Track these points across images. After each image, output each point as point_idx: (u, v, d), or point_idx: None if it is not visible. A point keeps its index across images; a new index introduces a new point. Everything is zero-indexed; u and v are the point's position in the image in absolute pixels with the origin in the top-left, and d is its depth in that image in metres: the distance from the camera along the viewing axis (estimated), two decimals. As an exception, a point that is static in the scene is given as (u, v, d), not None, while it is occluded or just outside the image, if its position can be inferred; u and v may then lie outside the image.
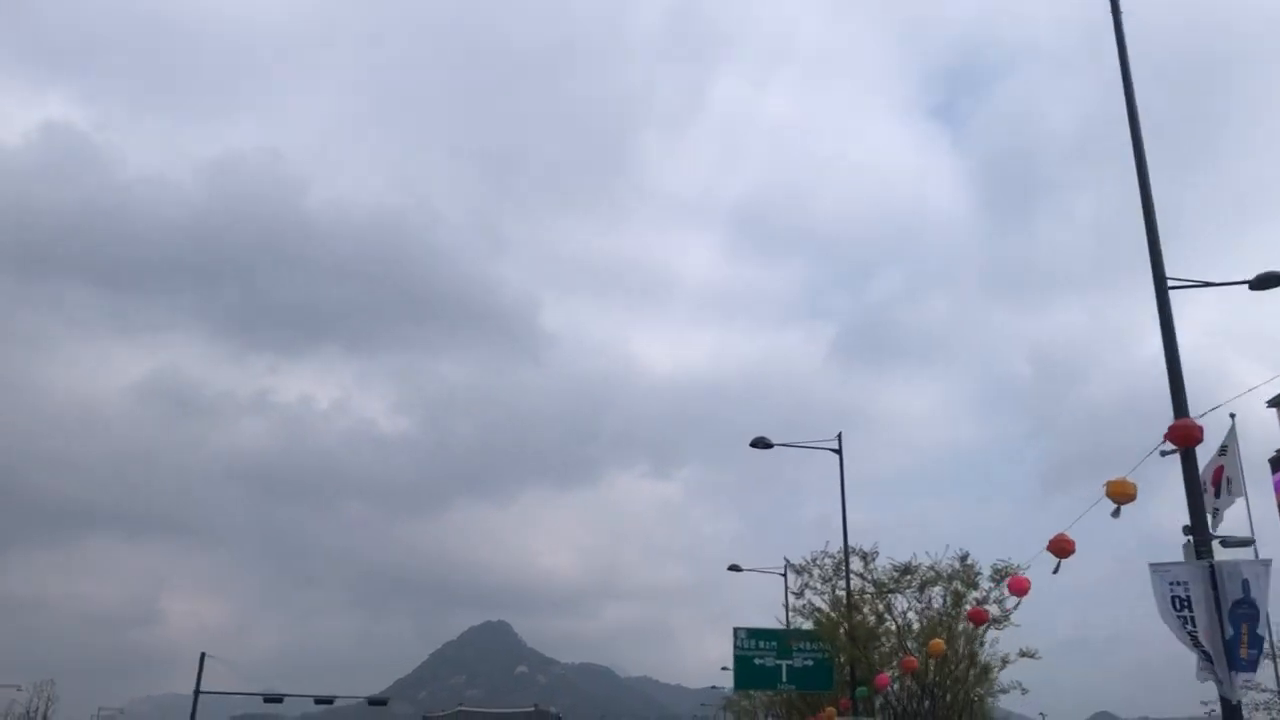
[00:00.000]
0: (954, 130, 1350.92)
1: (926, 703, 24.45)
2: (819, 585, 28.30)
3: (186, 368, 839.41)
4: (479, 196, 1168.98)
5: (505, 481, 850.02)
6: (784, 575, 41.63)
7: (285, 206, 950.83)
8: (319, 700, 53.40)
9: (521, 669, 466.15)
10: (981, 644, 24.06)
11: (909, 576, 25.03)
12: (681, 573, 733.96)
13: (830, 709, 28.22)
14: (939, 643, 21.45)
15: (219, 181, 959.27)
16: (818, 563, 28.11)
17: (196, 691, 50.43)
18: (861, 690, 27.27)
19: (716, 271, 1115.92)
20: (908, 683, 25.16)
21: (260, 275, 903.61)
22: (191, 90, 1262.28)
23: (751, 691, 45.31)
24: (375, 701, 56.56)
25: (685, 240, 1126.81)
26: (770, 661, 31.03)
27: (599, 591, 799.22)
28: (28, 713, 72.98)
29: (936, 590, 24.79)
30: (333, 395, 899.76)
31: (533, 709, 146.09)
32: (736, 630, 31.74)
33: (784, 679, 31.13)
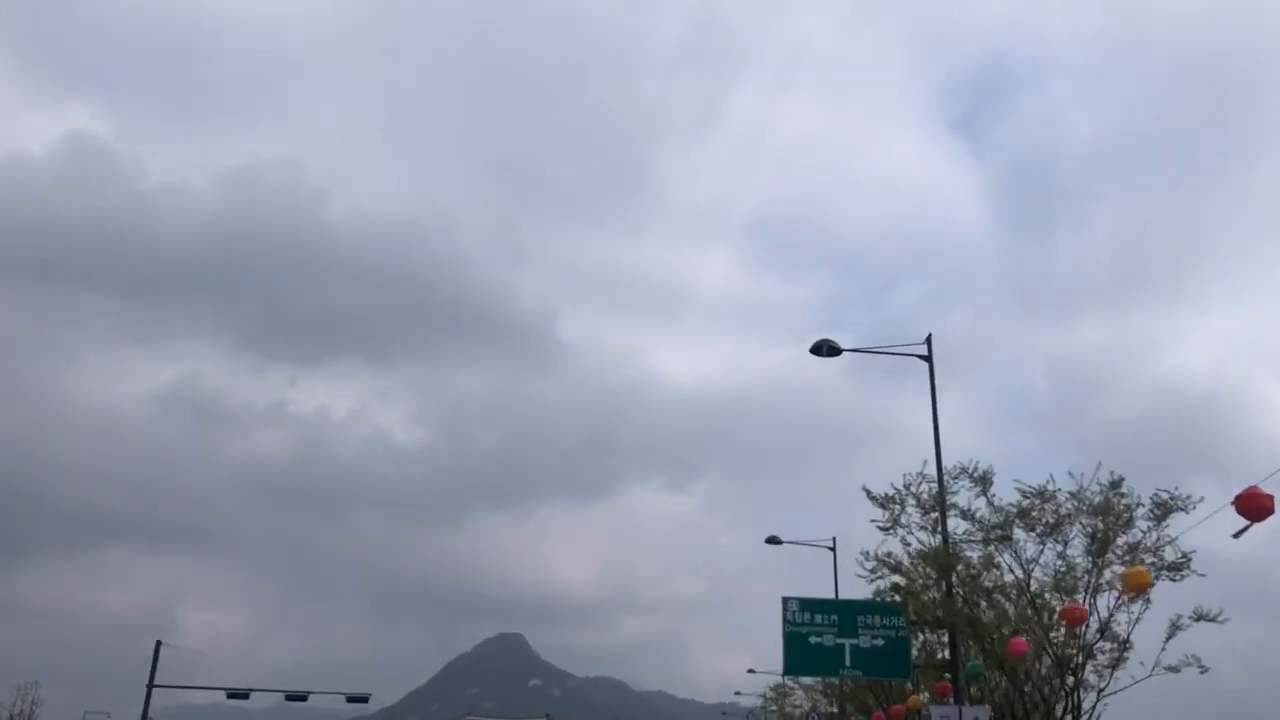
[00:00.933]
0: (975, 143, 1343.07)
1: (1070, 679, 17.68)
2: (916, 518, 20.77)
3: (206, 378, 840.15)
4: (497, 208, 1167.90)
5: (523, 494, 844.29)
6: (832, 549, 35.91)
7: (305, 217, 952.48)
8: (290, 697, 47.17)
9: (535, 682, 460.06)
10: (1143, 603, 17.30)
11: (1040, 508, 18.22)
12: (698, 586, 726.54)
13: (914, 698, 21.70)
14: (1140, 573, 15.19)
15: (239, 192, 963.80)
16: (912, 489, 20.84)
17: (149, 686, 44.54)
18: (973, 666, 21.88)
19: (734, 284, 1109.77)
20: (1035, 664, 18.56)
21: (280, 285, 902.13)
22: (213, 101, 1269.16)
23: (804, 679, 38.77)
24: (355, 699, 50.18)
25: (703, 252, 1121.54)
26: (830, 640, 24.33)
27: (615, 605, 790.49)
28: (11, 716, 68.88)
29: (1074, 531, 18.08)
30: (350, 406, 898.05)
31: (545, 718, 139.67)
32: (787, 601, 25.00)
33: (847, 662, 24.45)
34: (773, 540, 34.88)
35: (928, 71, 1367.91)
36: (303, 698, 47.14)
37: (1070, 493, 18.06)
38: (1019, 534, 18.65)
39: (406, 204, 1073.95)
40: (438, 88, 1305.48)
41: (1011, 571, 19.13)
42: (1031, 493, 18.33)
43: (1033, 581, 18.91)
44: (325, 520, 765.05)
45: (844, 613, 24.97)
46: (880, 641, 24.41)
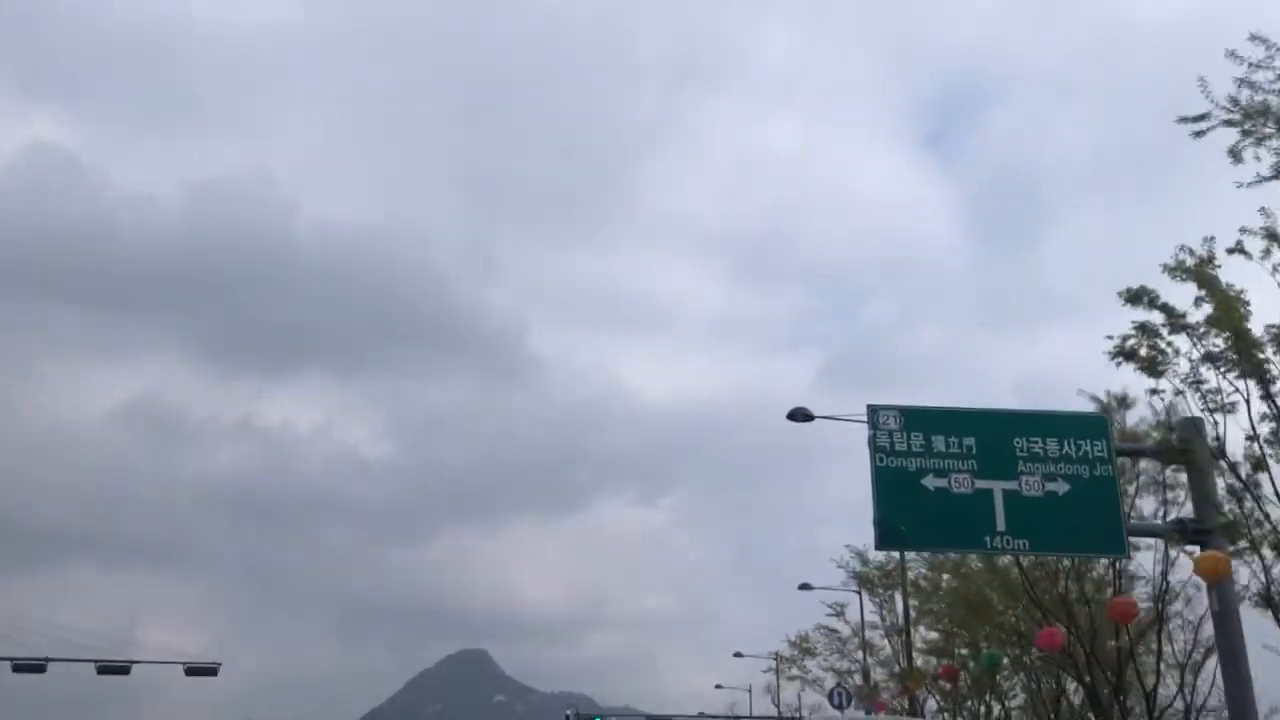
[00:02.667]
0: (946, 158, 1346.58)
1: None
2: None
3: (169, 391, 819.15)
4: (468, 220, 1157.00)
5: (490, 509, 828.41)
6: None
7: (273, 228, 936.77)
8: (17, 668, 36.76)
9: (500, 698, 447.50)
10: None
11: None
12: (667, 601, 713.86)
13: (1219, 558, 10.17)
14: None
15: (206, 202, 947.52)
16: None
17: None
18: (991, 656, 19.79)
19: (706, 298, 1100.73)
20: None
21: (246, 297, 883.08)
22: (181, 111, 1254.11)
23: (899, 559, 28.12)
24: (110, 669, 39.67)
25: (675, 266, 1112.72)
26: (965, 484, 12.38)
27: (582, 620, 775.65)
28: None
29: None
30: (316, 420, 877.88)
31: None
32: (877, 412, 12.89)
33: (1001, 525, 12.40)
34: (799, 414, 22.84)
35: (900, 87, 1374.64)
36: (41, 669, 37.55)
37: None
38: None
39: (376, 216, 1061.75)
40: (409, 100, 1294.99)
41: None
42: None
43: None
44: (290, 536, 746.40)
45: (991, 430, 12.82)
46: (1064, 486, 12.43)
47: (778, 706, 49.38)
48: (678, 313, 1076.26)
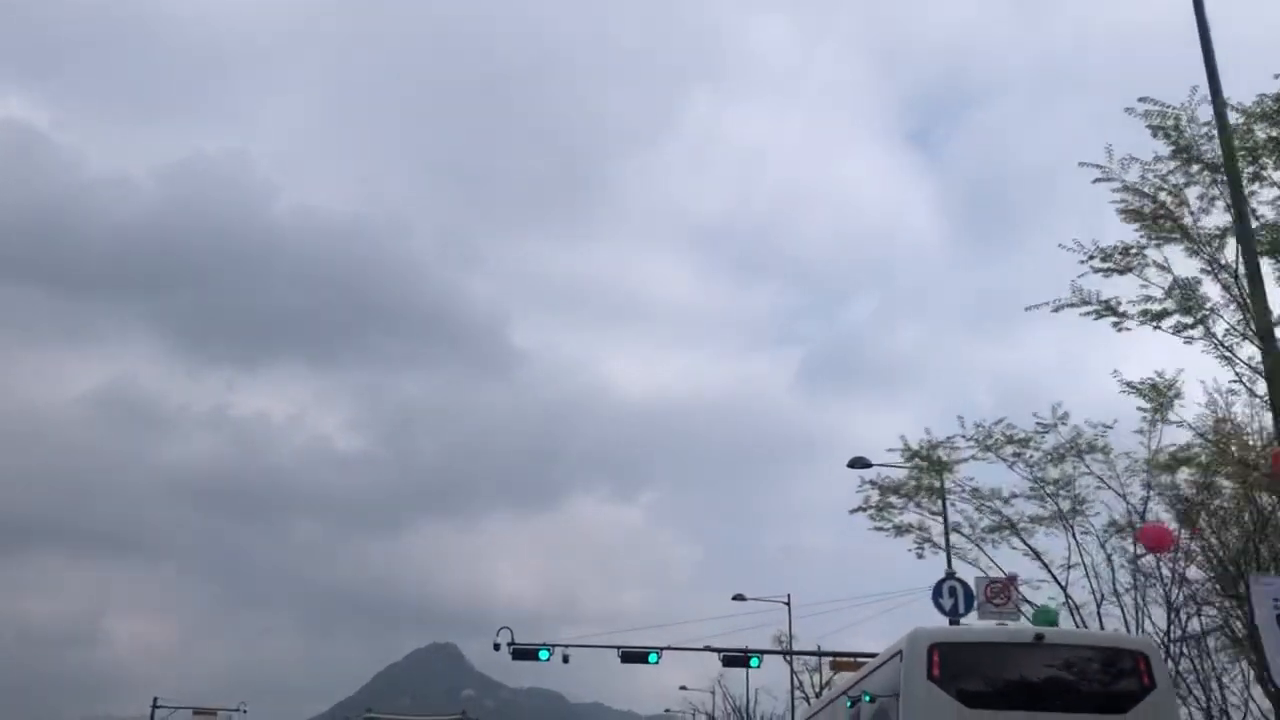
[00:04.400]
0: (930, 157, 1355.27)
1: None
2: None
3: (139, 379, 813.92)
4: (450, 210, 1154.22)
5: (466, 503, 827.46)
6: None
7: (250, 213, 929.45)
8: None
9: (469, 692, 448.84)
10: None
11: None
12: (640, 597, 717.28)
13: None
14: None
15: (181, 185, 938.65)
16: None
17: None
18: (1046, 611, 14.84)
19: (688, 294, 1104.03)
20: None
21: (220, 283, 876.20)
22: (157, 92, 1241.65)
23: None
24: None
25: (657, 261, 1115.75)
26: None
27: (555, 616, 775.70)
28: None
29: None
30: (290, 410, 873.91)
31: (460, 715, 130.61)
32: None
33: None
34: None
35: (886, 85, 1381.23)
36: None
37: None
38: None
39: (355, 202, 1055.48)
40: (391, 86, 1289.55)
41: None
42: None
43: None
44: (261, 528, 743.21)
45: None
46: None
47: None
48: (659, 308, 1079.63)
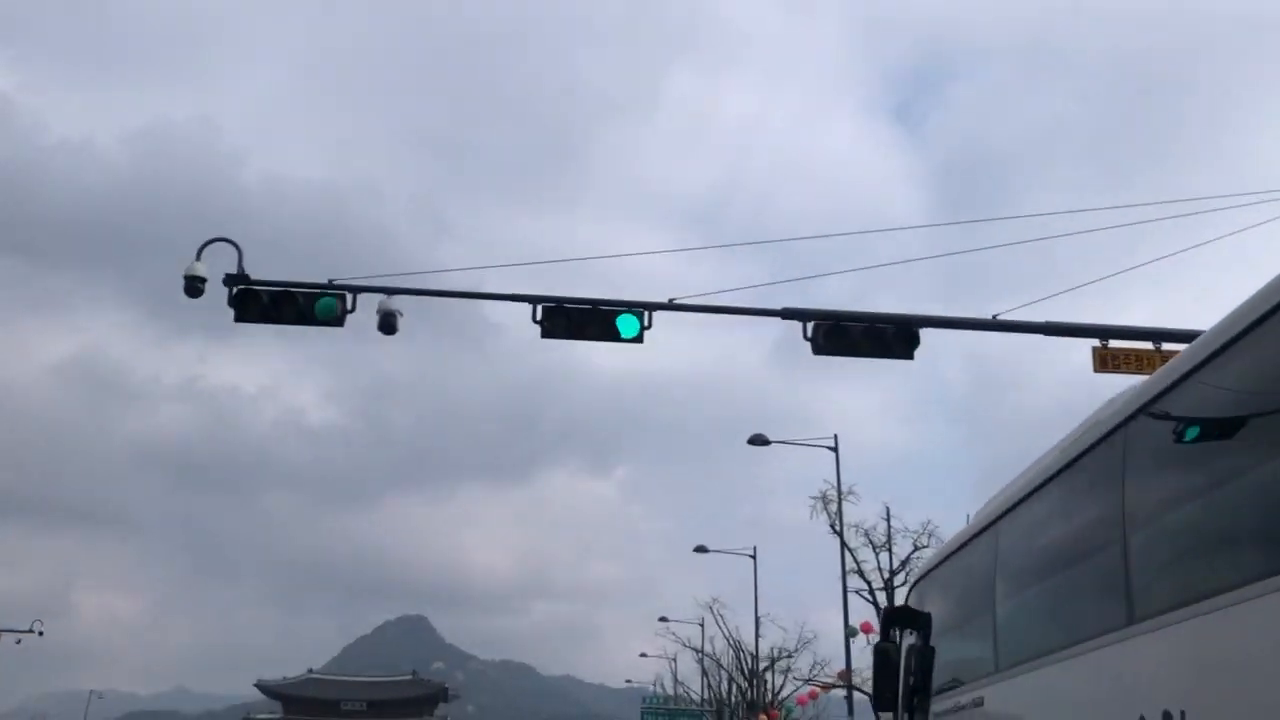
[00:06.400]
0: (912, 131, 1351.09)
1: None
2: None
3: (106, 349, 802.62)
4: (424, 179, 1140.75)
5: (439, 475, 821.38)
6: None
7: (219, 179, 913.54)
8: None
9: (438, 664, 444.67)
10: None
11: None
12: (613, 571, 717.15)
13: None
14: None
15: (148, 151, 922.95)
16: None
17: None
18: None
19: (664, 267, 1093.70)
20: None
21: (190, 251, 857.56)
22: (121, 55, 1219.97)
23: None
24: None
25: (634, 234, 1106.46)
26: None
27: (527, 589, 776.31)
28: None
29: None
30: (262, 381, 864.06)
31: (410, 675, 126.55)
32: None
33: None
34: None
35: (868, 57, 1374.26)
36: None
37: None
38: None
39: (327, 170, 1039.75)
40: (364, 51, 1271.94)
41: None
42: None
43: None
44: (231, 500, 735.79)
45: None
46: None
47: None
48: (634, 280, 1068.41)
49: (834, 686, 26.89)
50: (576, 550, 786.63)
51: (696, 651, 51.79)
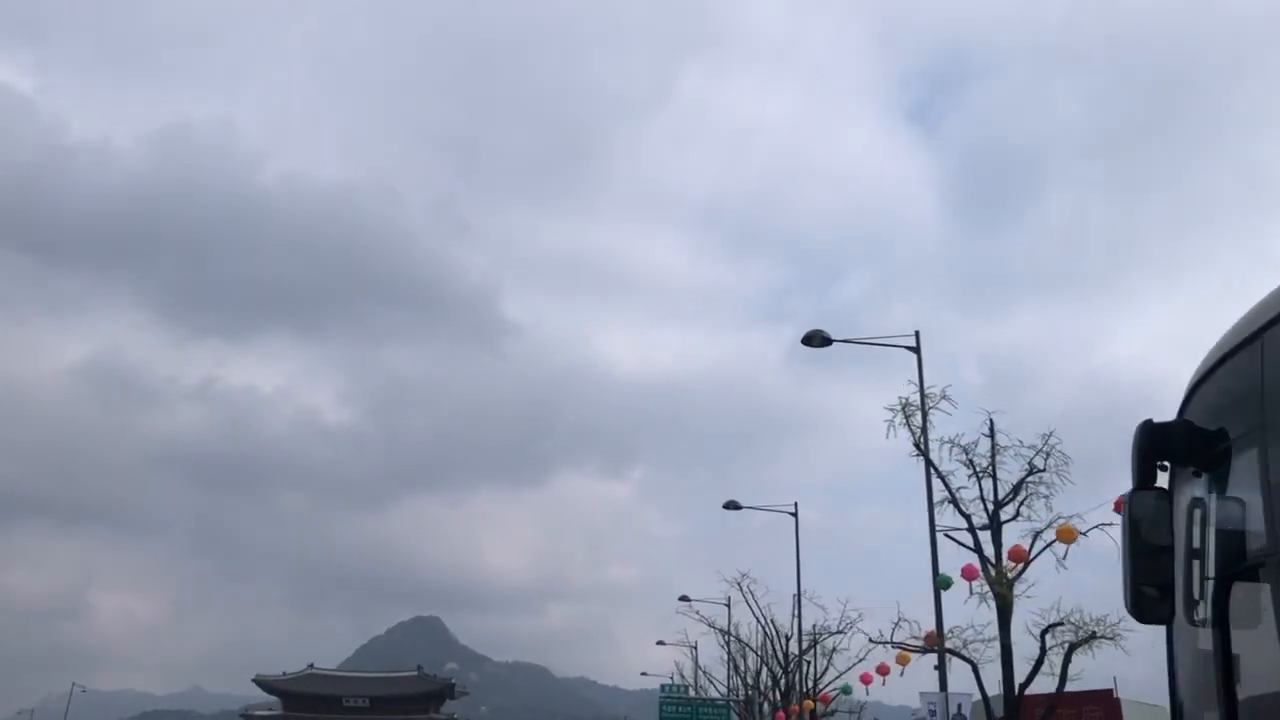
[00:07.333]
0: (928, 133, 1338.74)
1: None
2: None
3: (124, 351, 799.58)
4: (442, 180, 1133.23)
5: (455, 477, 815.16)
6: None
7: (238, 181, 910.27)
8: None
9: (451, 665, 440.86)
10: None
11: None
12: (628, 574, 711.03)
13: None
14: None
15: (167, 151, 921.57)
16: None
17: None
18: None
19: (682, 270, 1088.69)
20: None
21: (207, 253, 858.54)
22: (142, 55, 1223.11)
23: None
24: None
25: (651, 235, 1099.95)
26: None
27: (542, 591, 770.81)
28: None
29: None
30: (278, 382, 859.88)
31: (416, 671, 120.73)
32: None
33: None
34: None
35: (885, 58, 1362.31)
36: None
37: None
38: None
39: (346, 171, 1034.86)
40: (381, 53, 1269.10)
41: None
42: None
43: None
44: (247, 502, 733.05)
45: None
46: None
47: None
48: (652, 283, 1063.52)
49: (924, 650, 20.22)
50: (592, 552, 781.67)
51: (723, 633, 45.59)
